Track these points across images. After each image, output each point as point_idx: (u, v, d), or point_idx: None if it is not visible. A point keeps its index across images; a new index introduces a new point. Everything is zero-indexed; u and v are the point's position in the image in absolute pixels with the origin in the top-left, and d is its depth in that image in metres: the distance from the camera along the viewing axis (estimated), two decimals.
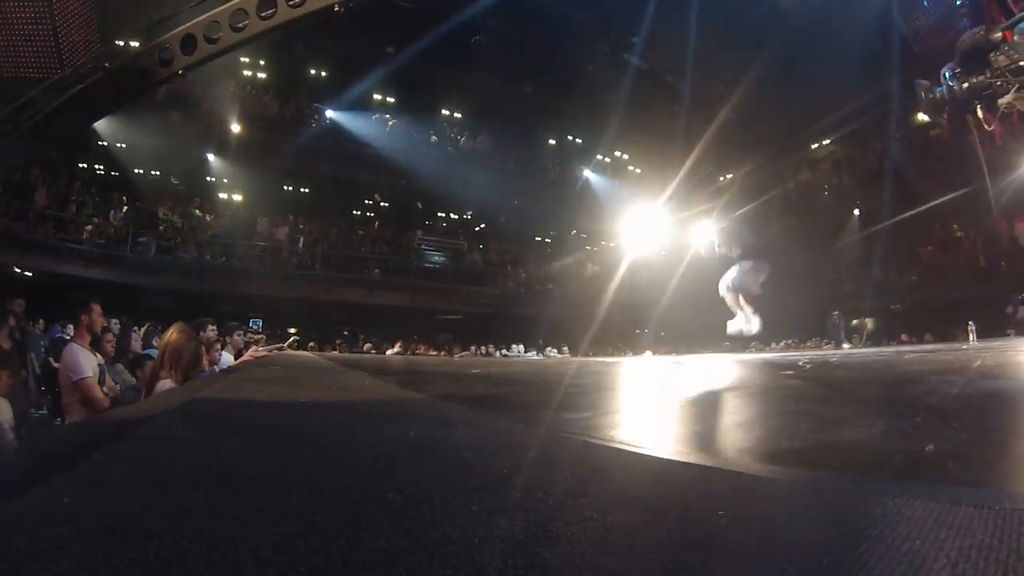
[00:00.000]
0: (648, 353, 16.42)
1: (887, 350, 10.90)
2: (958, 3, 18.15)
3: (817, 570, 0.81)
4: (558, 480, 1.39)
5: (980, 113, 5.51)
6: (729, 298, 8.54)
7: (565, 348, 18.90)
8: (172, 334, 4.59)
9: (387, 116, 24.47)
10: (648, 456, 1.73)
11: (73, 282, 15.27)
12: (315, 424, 2.13)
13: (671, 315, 21.41)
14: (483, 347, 18.38)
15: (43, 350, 9.01)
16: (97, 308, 5.59)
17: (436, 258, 24.08)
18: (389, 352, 15.88)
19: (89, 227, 17.33)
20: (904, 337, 17.66)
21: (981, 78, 5.21)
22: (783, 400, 3.65)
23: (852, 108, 23.07)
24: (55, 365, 6.14)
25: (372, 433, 2.08)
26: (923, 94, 5.79)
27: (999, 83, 5.11)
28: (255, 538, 0.93)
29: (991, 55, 5.19)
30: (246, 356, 6.76)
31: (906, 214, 20.39)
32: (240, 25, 8.28)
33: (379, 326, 19.54)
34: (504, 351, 17.81)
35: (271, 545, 0.90)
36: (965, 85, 5.33)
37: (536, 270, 25.44)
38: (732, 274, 8.59)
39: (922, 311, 19.60)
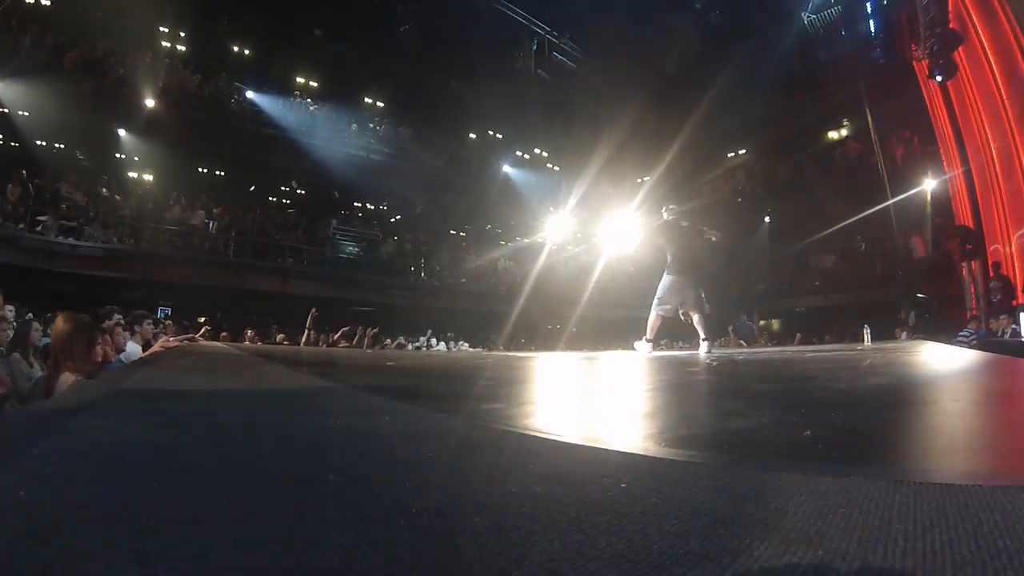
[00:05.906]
0: (561, 349, 16.64)
1: (789, 349, 11.46)
2: (872, 35, 19.36)
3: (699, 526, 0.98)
4: (479, 461, 1.53)
5: None
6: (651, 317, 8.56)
7: (491, 341, 18.93)
8: (58, 324, 4.37)
9: (309, 101, 24.01)
10: (558, 441, 1.89)
11: None
12: (243, 414, 2.19)
13: (586, 312, 21.87)
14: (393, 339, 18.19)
15: None
16: None
17: (350, 248, 23.77)
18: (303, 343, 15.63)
19: None
20: (800, 336, 18.58)
21: None
22: (687, 394, 3.89)
23: (768, 122, 24.22)
24: None
25: (300, 421, 2.16)
26: None
27: None
28: (217, 517, 1.03)
29: None
30: (156, 347, 6.58)
31: (813, 224, 21.67)
32: None
33: (292, 316, 19.09)
34: (415, 344, 17.68)
35: (233, 523, 1.01)
36: None
37: (450, 263, 25.41)
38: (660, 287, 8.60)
39: (824, 314, 20.72)
